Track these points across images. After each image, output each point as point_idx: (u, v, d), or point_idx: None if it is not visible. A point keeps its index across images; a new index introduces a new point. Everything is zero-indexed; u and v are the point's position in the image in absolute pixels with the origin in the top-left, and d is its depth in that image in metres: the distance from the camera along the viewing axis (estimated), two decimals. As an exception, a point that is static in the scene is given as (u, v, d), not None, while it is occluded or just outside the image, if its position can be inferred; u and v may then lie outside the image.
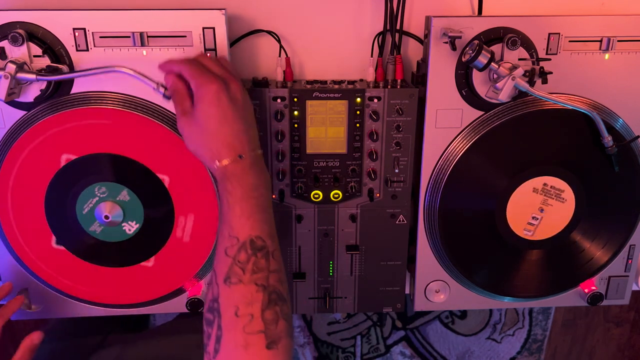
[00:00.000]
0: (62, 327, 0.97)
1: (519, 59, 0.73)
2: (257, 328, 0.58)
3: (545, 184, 0.81)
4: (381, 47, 0.80)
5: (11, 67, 0.66)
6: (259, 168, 0.64)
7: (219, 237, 0.63)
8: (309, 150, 0.78)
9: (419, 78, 0.78)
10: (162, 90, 0.67)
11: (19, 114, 0.73)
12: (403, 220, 0.83)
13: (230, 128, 0.63)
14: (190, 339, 0.98)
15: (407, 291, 0.89)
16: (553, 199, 0.82)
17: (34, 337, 0.73)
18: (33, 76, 0.67)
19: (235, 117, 0.63)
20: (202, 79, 0.63)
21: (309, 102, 0.76)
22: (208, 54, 0.71)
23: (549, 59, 0.75)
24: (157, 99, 0.73)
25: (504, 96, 0.70)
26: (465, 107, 0.76)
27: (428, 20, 0.74)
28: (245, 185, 0.62)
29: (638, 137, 0.80)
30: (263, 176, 0.65)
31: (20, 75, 0.67)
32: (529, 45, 0.74)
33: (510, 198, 0.81)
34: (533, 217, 0.83)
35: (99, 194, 0.77)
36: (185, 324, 1.04)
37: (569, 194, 0.82)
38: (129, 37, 0.70)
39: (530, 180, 0.81)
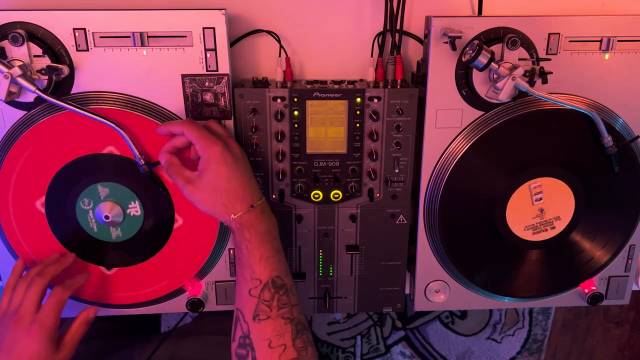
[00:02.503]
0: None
1: (519, 59, 0.73)
2: (291, 356, 0.64)
3: (543, 184, 0.81)
4: (381, 47, 0.80)
5: (17, 71, 0.66)
6: (268, 214, 0.70)
7: (239, 280, 0.68)
8: (309, 150, 0.78)
9: (419, 78, 0.78)
10: (141, 161, 0.72)
11: (19, 114, 0.73)
12: (403, 220, 0.83)
13: (237, 182, 0.68)
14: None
15: (407, 291, 0.89)
16: (551, 198, 0.82)
17: (90, 312, 0.75)
18: (32, 87, 0.67)
19: (240, 172, 0.68)
20: (207, 142, 0.67)
21: (309, 102, 0.76)
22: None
23: (549, 59, 0.75)
24: (157, 99, 0.74)
25: (504, 96, 0.70)
26: (465, 107, 0.76)
27: (428, 20, 0.74)
28: (261, 232, 0.68)
29: (638, 137, 0.80)
30: (272, 221, 0.70)
31: (21, 81, 0.67)
32: (529, 45, 0.74)
33: (510, 198, 0.81)
34: (540, 218, 0.83)
35: (99, 194, 0.77)
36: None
37: (568, 194, 0.82)
38: (129, 37, 0.70)
39: (530, 181, 0.81)
